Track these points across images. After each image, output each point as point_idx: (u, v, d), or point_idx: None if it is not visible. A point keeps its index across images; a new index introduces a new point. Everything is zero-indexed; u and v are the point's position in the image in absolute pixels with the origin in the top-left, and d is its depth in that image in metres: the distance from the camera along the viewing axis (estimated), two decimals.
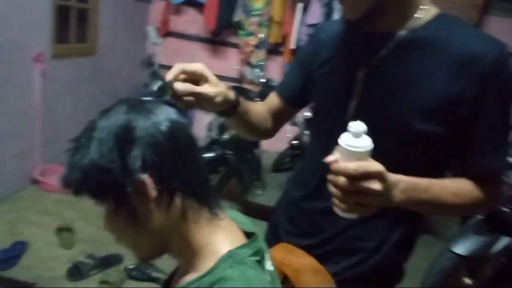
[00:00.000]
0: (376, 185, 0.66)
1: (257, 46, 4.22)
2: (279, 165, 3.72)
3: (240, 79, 4.39)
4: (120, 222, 0.65)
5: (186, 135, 0.66)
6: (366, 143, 0.65)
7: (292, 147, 3.38)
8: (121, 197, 0.62)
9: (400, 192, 0.74)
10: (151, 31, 4.64)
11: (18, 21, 2.68)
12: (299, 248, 1.00)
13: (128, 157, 0.60)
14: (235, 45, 4.45)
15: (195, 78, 0.83)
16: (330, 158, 0.68)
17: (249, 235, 0.74)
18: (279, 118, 1.12)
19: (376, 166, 0.66)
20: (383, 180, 0.67)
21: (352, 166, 0.64)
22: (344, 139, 0.65)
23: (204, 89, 0.83)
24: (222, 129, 2.94)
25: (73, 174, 0.62)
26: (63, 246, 2.43)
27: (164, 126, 0.63)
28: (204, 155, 2.98)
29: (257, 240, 0.72)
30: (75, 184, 0.63)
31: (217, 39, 4.56)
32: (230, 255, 0.65)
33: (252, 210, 3.14)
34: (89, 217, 2.79)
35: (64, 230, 2.51)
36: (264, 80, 2.99)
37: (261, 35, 4.17)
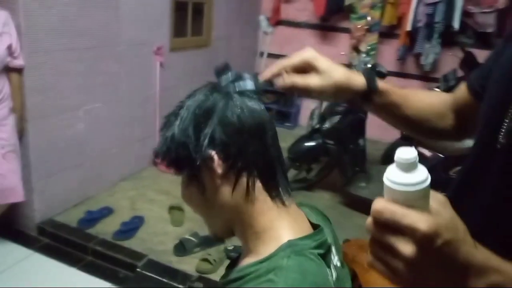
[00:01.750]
0: (404, 246, 0.43)
1: (369, 30, 3.99)
2: (388, 157, 3.50)
3: (349, 65, 4.22)
4: (193, 194, 0.71)
5: (258, 121, 0.68)
6: (414, 179, 0.44)
7: (404, 138, 3.14)
8: (193, 170, 0.67)
9: (484, 285, 0.47)
10: (263, 21, 4.73)
11: (143, 19, 2.99)
12: None
13: (201, 134, 0.66)
14: (346, 30, 4.29)
15: (303, 67, 0.74)
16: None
17: (316, 227, 0.73)
18: (465, 115, 0.85)
19: (413, 218, 0.43)
20: (424, 246, 0.43)
21: (378, 205, 0.45)
22: (388, 171, 0.46)
23: (307, 82, 0.74)
24: (323, 118, 2.87)
25: (161, 146, 0.70)
26: (173, 223, 2.67)
27: (238, 109, 0.67)
28: (304, 144, 2.96)
29: (321, 233, 0.70)
30: (161, 156, 0.70)
31: (328, 25, 4.44)
32: (290, 244, 0.64)
33: (353, 203, 3.03)
34: None
35: (175, 209, 2.76)
36: (369, 66, 2.80)
37: (371, 18, 3.93)
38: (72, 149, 2.62)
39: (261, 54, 4.87)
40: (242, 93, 0.70)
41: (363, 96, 0.77)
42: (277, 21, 4.68)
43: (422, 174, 0.44)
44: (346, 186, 2.98)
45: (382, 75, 2.69)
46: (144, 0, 2.96)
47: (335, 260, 0.72)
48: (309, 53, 0.74)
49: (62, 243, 2.42)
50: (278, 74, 0.75)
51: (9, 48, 2.01)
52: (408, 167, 0.44)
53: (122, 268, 2.28)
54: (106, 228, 2.51)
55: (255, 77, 0.73)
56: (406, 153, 0.44)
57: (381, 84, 0.79)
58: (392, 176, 0.44)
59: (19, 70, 2.13)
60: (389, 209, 0.43)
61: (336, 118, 2.82)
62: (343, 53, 3.86)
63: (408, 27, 3.80)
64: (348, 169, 2.93)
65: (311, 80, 0.73)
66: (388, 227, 0.44)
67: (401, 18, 3.91)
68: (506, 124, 0.63)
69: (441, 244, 0.42)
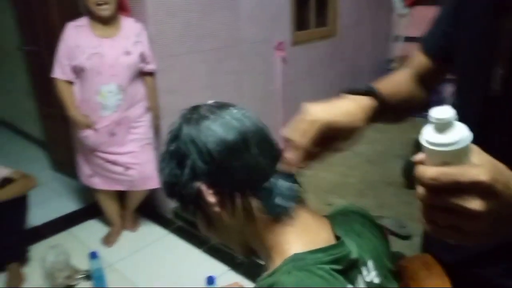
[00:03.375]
0: (472, 203, 0.42)
1: None
2: None
3: None
4: (203, 225, 0.71)
5: (236, 136, 0.63)
6: (456, 137, 0.43)
7: None
8: (192, 204, 0.67)
9: None
10: (397, 2, 4.38)
11: (263, 16, 3.09)
12: (440, 263, 0.79)
13: (185, 169, 0.64)
14: None
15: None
16: (417, 157, 0.47)
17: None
18: (429, 81, 0.89)
19: (473, 173, 0.42)
20: (490, 196, 0.43)
21: (430, 173, 0.43)
22: (425, 134, 0.45)
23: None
24: None
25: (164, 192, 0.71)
26: None
27: (209, 132, 0.63)
28: None
29: (341, 246, 0.64)
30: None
31: None
32: (293, 259, 0.61)
33: None
34: (318, 191, 3.00)
35: None
36: None
37: None
38: None
39: (396, 38, 4.52)
40: (211, 111, 0.66)
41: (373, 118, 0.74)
42: (413, 1, 4.28)
43: (463, 130, 0.44)
44: None
45: None
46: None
47: (370, 276, 0.65)
48: (321, 117, 0.64)
49: (191, 226, 2.70)
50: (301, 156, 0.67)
51: (142, 55, 2.31)
52: (447, 125, 0.43)
53: None
54: None
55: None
56: (441, 112, 0.43)
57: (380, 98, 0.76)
58: (435, 138, 0.44)
59: (152, 74, 2.44)
60: (444, 172, 0.43)
61: None
62: None
63: None
64: None
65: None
66: (446, 190, 0.43)
67: None
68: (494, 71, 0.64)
69: (501, 187, 0.43)
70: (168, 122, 2.66)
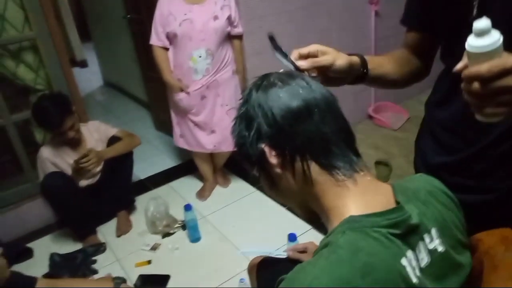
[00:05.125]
0: None
1: None
2: None
3: None
4: (267, 186, 0.77)
5: (299, 104, 0.67)
6: (493, 38, 0.56)
7: None
8: (257, 165, 0.73)
9: None
10: None
11: None
12: None
13: (252, 131, 0.70)
14: None
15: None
16: (458, 66, 0.59)
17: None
18: (427, 53, 1.02)
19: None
20: None
21: (484, 67, 0.55)
22: (469, 42, 0.57)
23: (329, 61, 0.85)
24: None
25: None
26: (378, 178, 2.64)
27: (276, 97, 0.68)
28: None
29: (400, 211, 0.64)
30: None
31: None
32: (348, 220, 0.63)
33: None
34: (410, 155, 2.86)
35: (381, 164, 2.71)
36: None
37: None
38: None
39: None
40: (280, 78, 0.70)
41: (361, 73, 0.92)
42: None
43: (496, 33, 0.56)
44: None
45: None
46: None
47: (433, 243, 0.66)
48: (322, 46, 0.85)
49: None
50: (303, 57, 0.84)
51: (229, 18, 2.36)
52: (485, 31, 0.55)
53: None
54: None
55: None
56: (480, 22, 0.55)
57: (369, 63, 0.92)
58: (478, 43, 0.56)
59: (239, 37, 2.48)
60: (492, 65, 0.55)
61: None
62: None
63: None
64: None
65: (324, 57, 0.84)
66: (494, 78, 0.55)
67: None
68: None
69: None
70: None
